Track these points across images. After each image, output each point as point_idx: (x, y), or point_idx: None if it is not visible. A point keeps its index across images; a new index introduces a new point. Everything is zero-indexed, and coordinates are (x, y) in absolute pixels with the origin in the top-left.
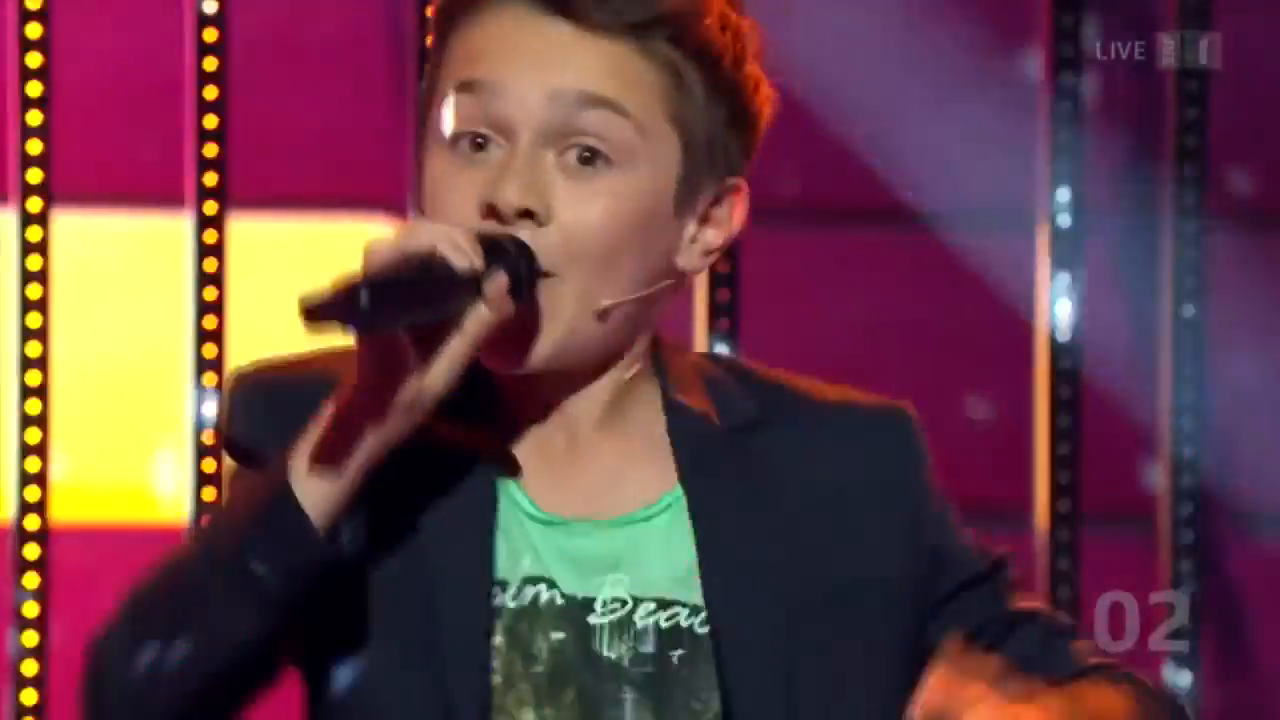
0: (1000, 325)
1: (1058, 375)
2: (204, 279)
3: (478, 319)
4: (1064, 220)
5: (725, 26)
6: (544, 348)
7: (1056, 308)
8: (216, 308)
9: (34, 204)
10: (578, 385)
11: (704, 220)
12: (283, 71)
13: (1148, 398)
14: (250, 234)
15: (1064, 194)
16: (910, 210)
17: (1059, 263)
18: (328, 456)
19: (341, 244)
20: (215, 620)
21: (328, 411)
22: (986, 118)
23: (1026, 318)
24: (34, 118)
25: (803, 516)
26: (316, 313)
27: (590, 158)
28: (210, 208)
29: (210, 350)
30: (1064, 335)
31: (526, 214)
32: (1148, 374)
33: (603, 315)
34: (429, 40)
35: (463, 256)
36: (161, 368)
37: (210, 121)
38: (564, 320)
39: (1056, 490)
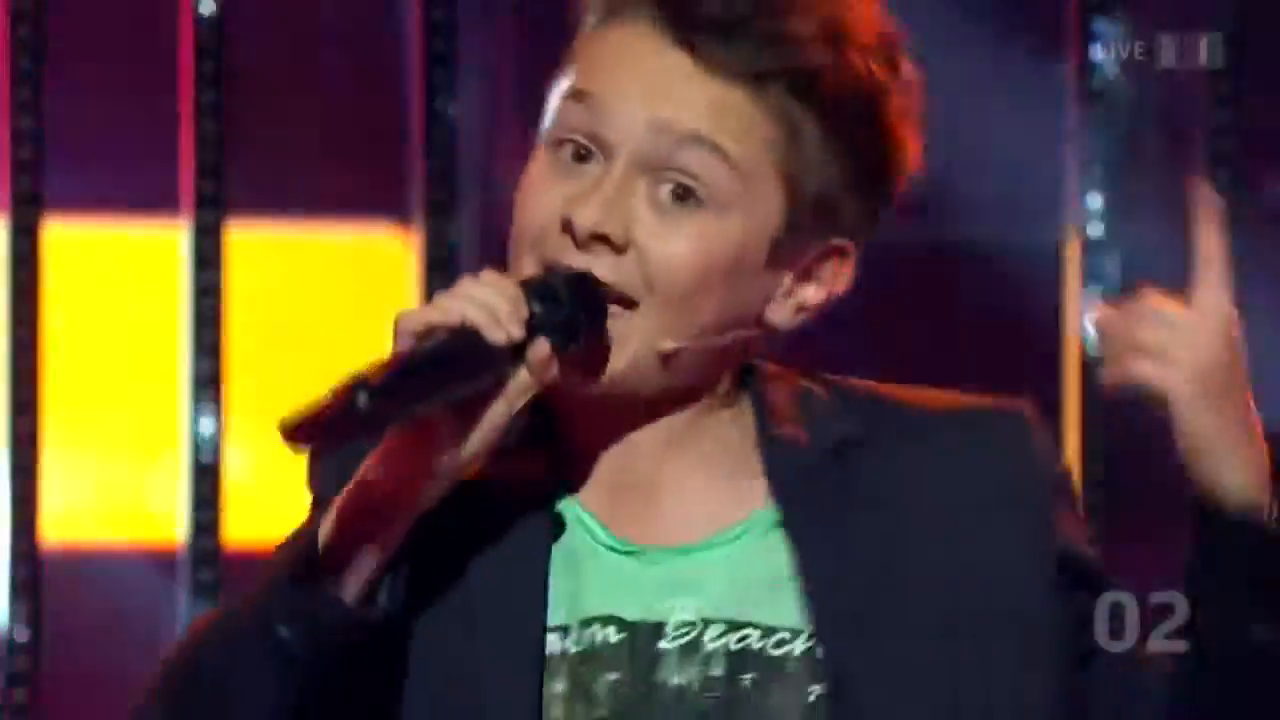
0: (1029, 337)
1: (1088, 391)
2: (201, 290)
3: (519, 386)
4: (1095, 229)
5: (866, 80)
6: (606, 375)
7: (1086, 320)
8: (214, 320)
9: (26, 214)
10: (645, 416)
11: (804, 276)
12: (282, 76)
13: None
14: (248, 241)
15: (1094, 201)
16: (938, 218)
17: (1090, 274)
18: (358, 521)
19: (345, 251)
20: (242, 687)
21: (358, 475)
22: (1015, 122)
23: (1056, 330)
24: (25, 123)
25: (913, 540)
26: (297, 432)
27: (683, 195)
28: (207, 216)
29: (207, 365)
30: (1095, 349)
31: (600, 239)
32: None
33: (667, 356)
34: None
35: (498, 329)
36: (156, 382)
37: (205, 127)
38: (628, 352)
39: (1087, 508)
